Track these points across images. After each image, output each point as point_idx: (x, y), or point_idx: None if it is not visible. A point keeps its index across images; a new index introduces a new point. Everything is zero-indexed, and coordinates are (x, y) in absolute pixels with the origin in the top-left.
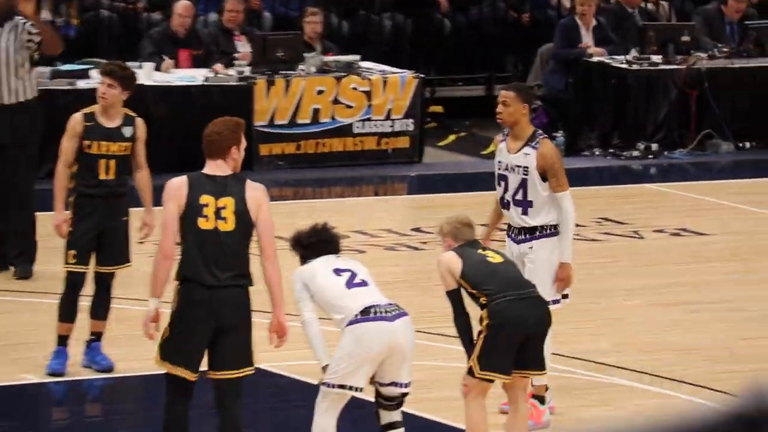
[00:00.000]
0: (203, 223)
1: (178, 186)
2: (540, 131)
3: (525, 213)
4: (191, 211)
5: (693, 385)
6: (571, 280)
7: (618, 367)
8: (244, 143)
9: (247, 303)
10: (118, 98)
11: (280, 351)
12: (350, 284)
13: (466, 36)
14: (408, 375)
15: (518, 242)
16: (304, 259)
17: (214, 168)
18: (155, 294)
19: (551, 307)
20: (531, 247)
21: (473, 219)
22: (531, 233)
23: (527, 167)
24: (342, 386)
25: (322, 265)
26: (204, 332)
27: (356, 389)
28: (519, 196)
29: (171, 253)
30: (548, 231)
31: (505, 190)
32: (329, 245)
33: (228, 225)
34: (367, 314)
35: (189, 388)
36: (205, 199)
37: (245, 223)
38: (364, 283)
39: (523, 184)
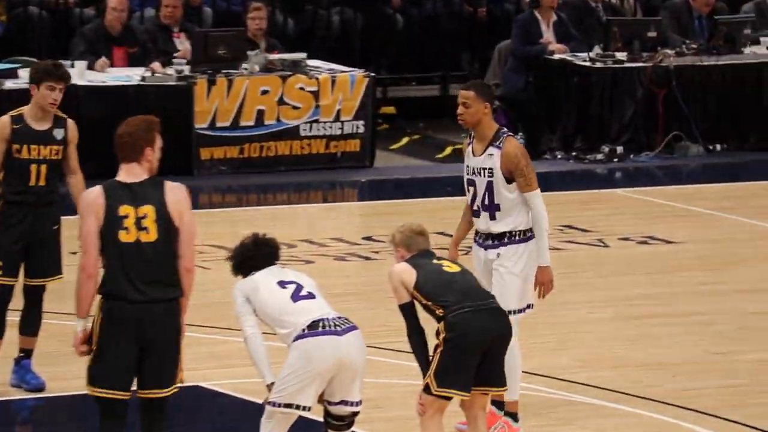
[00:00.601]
0: (124, 236)
1: (94, 198)
2: (505, 129)
3: (493, 217)
4: (110, 225)
5: (661, 402)
6: (552, 284)
7: (581, 384)
8: (159, 143)
9: (175, 318)
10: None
11: (222, 369)
12: (296, 297)
13: (420, 32)
14: (359, 393)
15: (486, 248)
16: (245, 273)
17: (128, 173)
18: (81, 315)
19: (517, 317)
20: (498, 254)
21: (428, 227)
22: (499, 239)
23: (492, 169)
24: (288, 405)
25: (265, 277)
26: (129, 351)
27: (304, 408)
28: (486, 201)
29: (94, 271)
30: (517, 237)
31: (474, 195)
32: (270, 257)
33: (150, 235)
34: (314, 329)
35: (120, 410)
36: (124, 210)
37: (168, 231)
38: (311, 296)
39: (489, 188)
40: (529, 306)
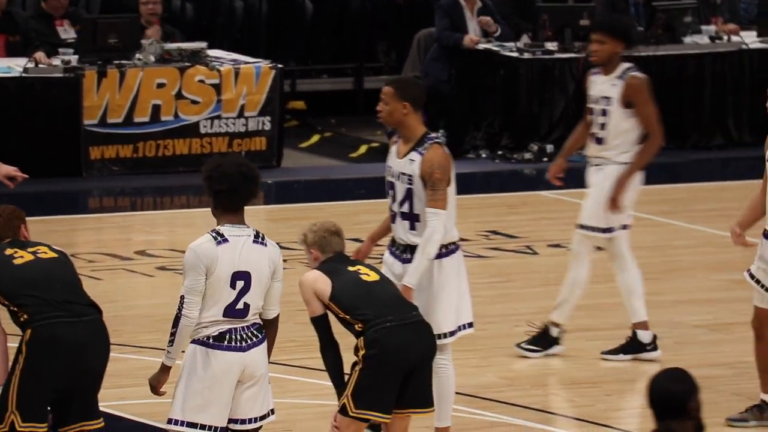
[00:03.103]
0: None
1: None
2: (433, 135)
3: (412, 228)
4: None
5: (594, 423)
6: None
7: (508, 404)
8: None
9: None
10: None
11: (113, 389)
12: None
13: (331, 20)
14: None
15: (403, 261)
16: (222, 206)
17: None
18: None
19: (444, 341)
20: None
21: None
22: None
23: (411, 176)
24: (193, 425)
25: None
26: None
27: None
28: (405, 208)
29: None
30: (440, 251)
31: (393, 200)
32: (249, 196)
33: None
34: (220, 341)
35: None
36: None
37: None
38: (244, 311)
39: (408, 195)
40: (464, 326)
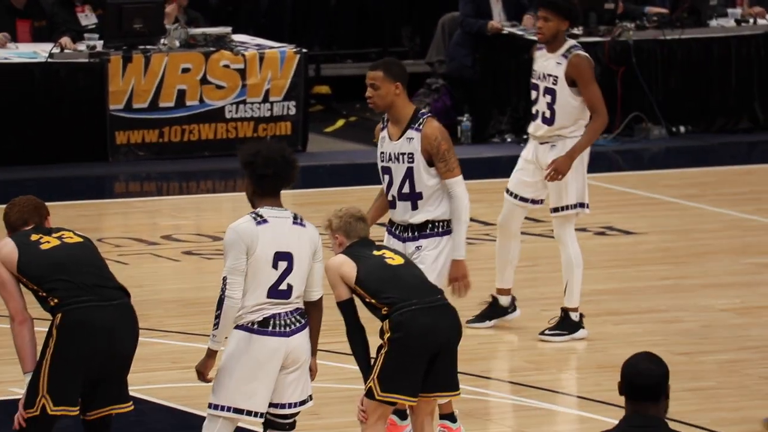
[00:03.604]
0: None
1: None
2: (423, 110)
3: (414, 207)
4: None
5: (621, 407)
6: (467, 282)
7: (534, 387)
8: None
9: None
10: None
11: (140, 373)
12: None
13: (356, 5)
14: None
15: (404, 240)
16: (261, 190)
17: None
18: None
19: None
20: (419, 247)
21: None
22: (420, 230)
23: (412, 153)
24: (238, 410)
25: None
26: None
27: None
28: (406, 189)
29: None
30: (439, 228)
31: (390, 184)
32: (286, 181)
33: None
34: (264, 326)
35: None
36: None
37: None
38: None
39: (409, 174)
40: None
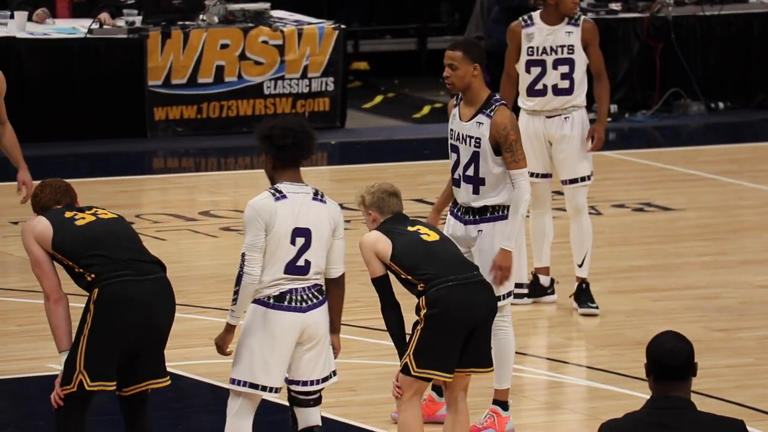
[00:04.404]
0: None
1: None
2: (497, 96)
3: (476, 191)
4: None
5: None
6: (510, 272)
7: (572, 364)
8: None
9: None
10: None
11: (178, 349)
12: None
13: None
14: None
15: (465, 222)
16: (279, 161)
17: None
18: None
19: (506, 301)
20: (480, 231)
21: (404, 194)
22: (481, 214)
23: (479, 138)
24: (254, 386)
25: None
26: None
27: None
28: (470, 172)
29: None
30: (501, 213)
31: (456, 164)
32: (303, 155)
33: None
34: (280, 301)
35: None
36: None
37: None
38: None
39: (474, 158)
40: (518, 295)
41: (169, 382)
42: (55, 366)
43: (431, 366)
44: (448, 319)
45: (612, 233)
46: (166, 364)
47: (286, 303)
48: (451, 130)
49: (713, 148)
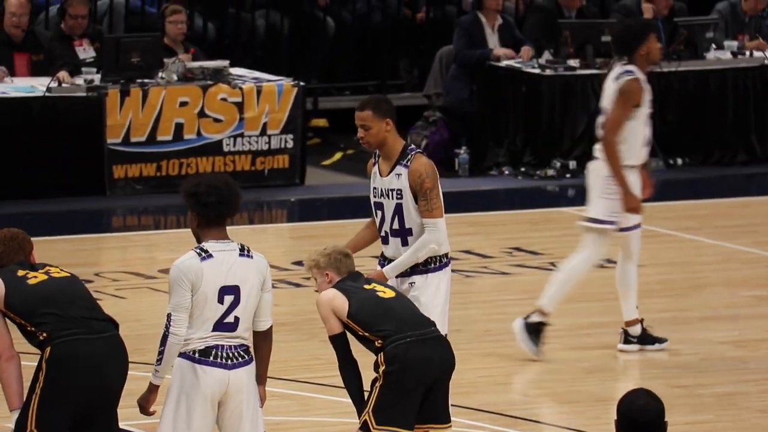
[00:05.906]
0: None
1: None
2: (412, 146)
3: (405, 243)
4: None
5: None
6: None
7: (532, 421)
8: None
9: None
10: None
11: (133, 408)
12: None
13: (353, 37)
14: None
15: (397, 276)
16: (206, 223)
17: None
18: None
19: None
20: (412, 283)
21: (365, 251)
22: (412, 267)
23: (400, 190)
24: None
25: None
26: None
27: None
28: (396, 225)
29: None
30: (433, 264)
31: (382, 220)
32: (231, 211)
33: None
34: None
35: None
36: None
37: None
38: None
39: (398, 210)
40: None
41: None
42: (7, 425)
43: (391, 422)
44: (407, 375)
45: (572, 289)
46: (120, 423)
47: (211, 358)
48: (374, 188)
49: (672, 204)
